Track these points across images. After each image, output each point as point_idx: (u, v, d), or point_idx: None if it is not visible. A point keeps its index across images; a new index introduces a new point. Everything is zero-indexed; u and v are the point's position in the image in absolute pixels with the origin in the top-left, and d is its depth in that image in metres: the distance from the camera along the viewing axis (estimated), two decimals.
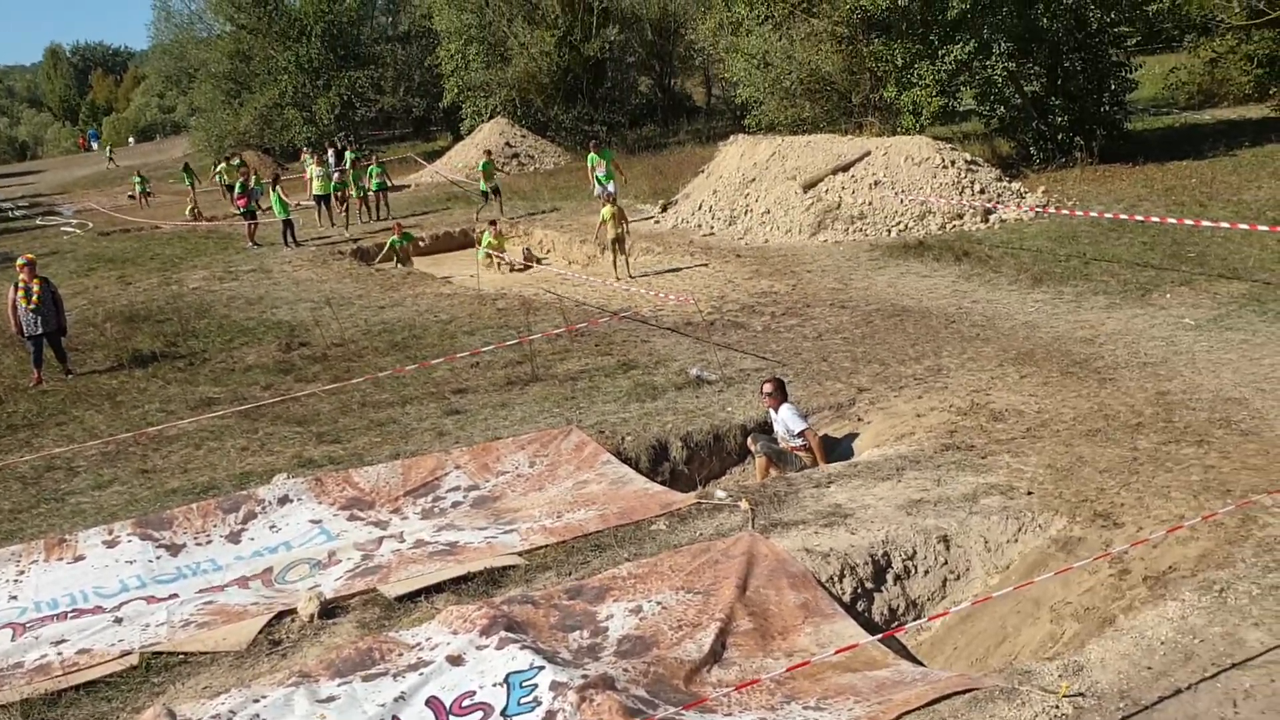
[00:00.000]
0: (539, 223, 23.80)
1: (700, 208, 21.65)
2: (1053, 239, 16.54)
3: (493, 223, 21.84)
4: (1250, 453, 8.20)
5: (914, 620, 7.23)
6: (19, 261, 14.08)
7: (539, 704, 5.67)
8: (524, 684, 5.83)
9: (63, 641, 7.02)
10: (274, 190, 23.90)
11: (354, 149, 32.46)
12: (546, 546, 7.83)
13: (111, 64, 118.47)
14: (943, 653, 7.00)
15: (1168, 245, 15.21)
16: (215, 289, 19.32)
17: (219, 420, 11.52)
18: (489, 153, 28.23)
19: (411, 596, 7.17)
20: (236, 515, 8.92)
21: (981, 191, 18.74)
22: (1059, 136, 22.20)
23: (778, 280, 16.06)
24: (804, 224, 19.12)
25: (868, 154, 19.67)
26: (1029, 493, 7.99)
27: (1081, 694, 5.44)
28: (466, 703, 5.84)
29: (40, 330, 13.64)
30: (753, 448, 9.69)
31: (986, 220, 18.18)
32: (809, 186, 19.73)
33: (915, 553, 7.52)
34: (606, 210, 17.78)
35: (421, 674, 6.09)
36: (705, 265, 17.79)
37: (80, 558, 8.33)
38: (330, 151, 33.65)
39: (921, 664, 6.75)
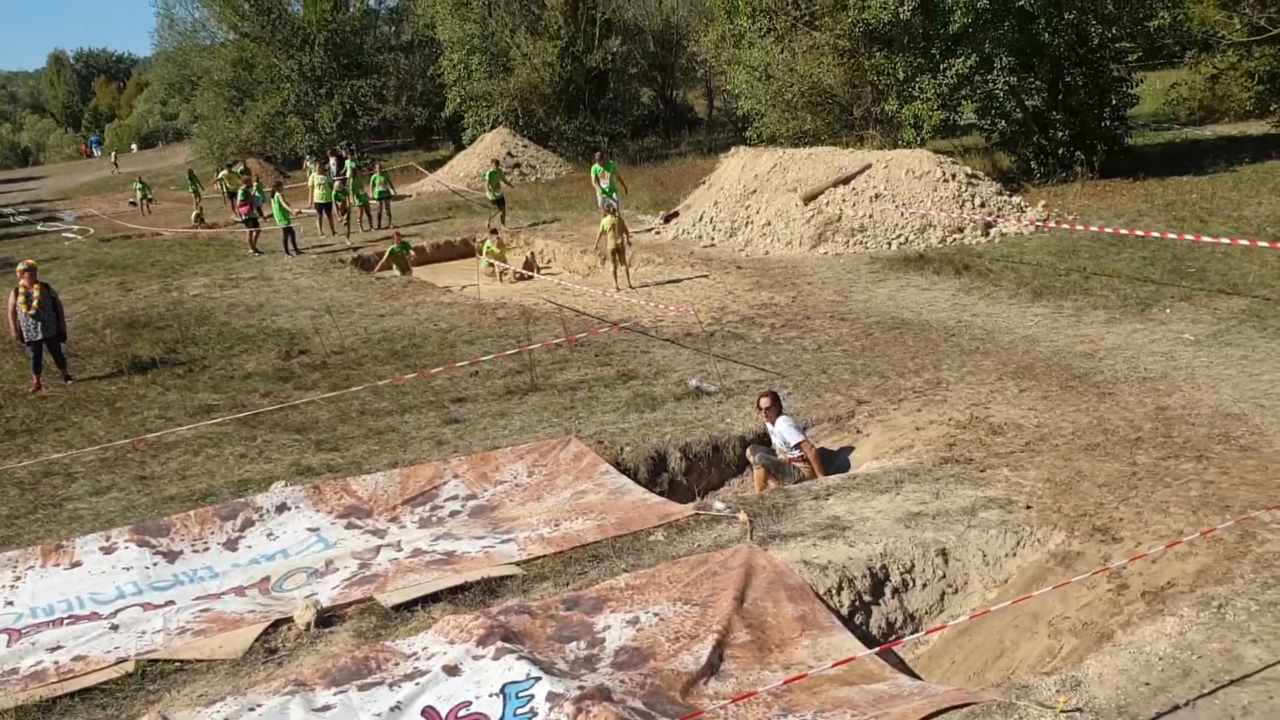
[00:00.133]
0: (540, 233, 23.82)
1: (701, 219, 21.67)
2: (1053, 253, 16.55)
3: (494, 231, 21.85)
4: (1249, 468, 8.20)
5: (912, 634, 7.21)
6: (19, 267, 14.08)
7: (535, 715, 5.66)
8: (520, 695, 5.82)
9: (58, 648, 7.01)
10: (274, 198, 23.93)
11: (355, 158, 32.47)
12: (544, 556, 7.82)
13: (115, 71, 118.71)
14: (940, 666, 6.98)
15: (1168, 260, 15.22)
16: (216, 296, 19.32)
17: (218, 427, 11.51)
18: (497, 162, 28.28)
19: (408, 606, 7.16)
20: (234, 523, 8.91)
21: (982, 205, 18.77)
22: (1060, 151, 22.24)
23: (778, 292, 16.07)
24: (804, 236, 19.14)
25: (869, 167, 19.71)
26: (1028, 507, 7.98)
27: (1079, 709, 5.43)
28: (463, 713, 5.83)
29: (40, 336, 13.64)
30: (751, 459, 9.69)
31: (987, 234, 18.21)
32: (810, 199, 19.76)
33: (913, 566, 7.50)
34: (607, 221, 17.80)
35: (418, 684, 6.07)
36: (705, 276, 17.80)
37: (77, 564, 8.32)
38: (332, 160, 33.70)
39: (919, 678, 6.73)
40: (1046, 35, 21.33)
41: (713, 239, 20.78)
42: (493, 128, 37.50)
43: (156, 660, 6.73)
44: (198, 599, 7.73)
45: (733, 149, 24.55)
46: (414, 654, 6.42)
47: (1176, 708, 5.38)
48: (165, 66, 60.69)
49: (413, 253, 22.21)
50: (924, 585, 7.47)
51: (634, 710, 5.68)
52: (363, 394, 12.25)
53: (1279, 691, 5.40)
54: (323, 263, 22.14)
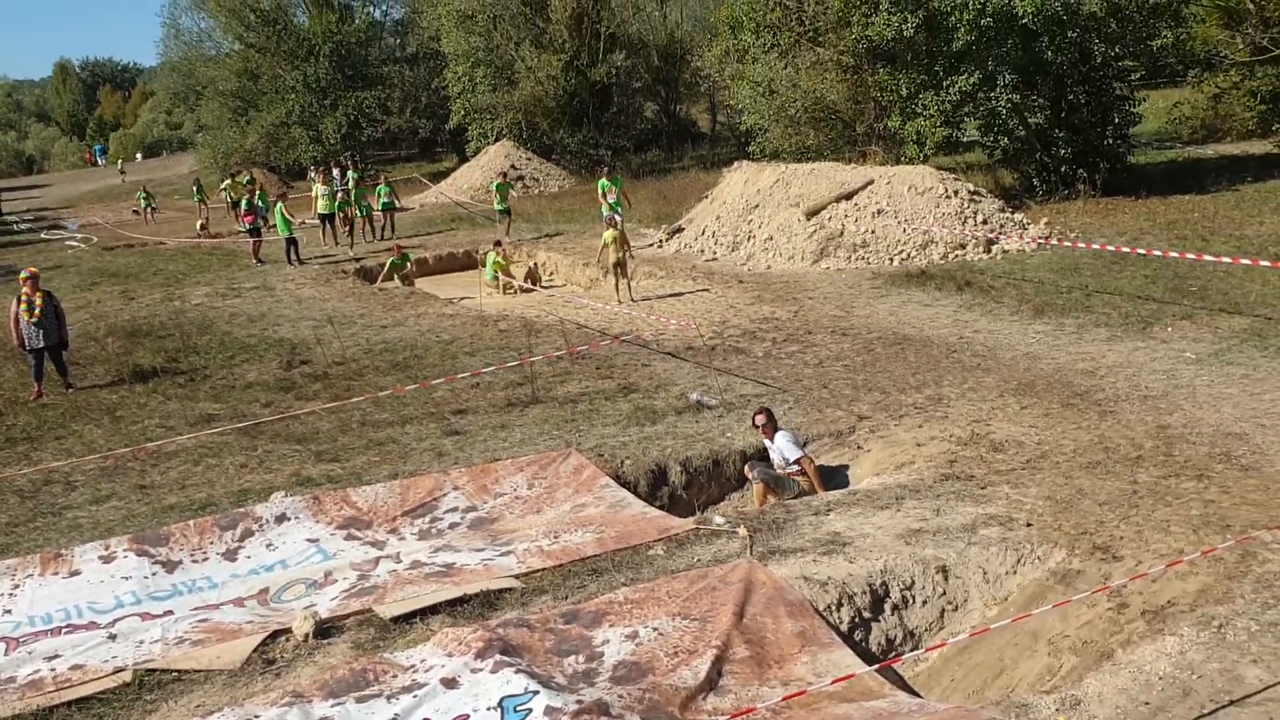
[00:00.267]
0: (543, 245, 23.87)
1: (703, 233, 21.71)
2: (1055, 270, 16.57)
3: (498, 243, 21.90)
4: (1250, 488, 8.19)
5: (911, 651, 7.19)
6: (22, 275, 14.13)
7: None
8: (518, 708, 5.80)
9: (56, 657, 7.00)
10: (277, 208, 23.99)
11: (356, 168, 32.56)
12: (543, 569, 7.81)
13: (120, 80, 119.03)
14: (940, 684, 6.96)
15: (1169, 279, 15.23)
16: (218, 305, 19.35)
17: (218, 437, 11.51)
18: (504, 175, 28.36)
19: (407, 618, 7.14)
20: (234, 533, 8.90)
21: (984, 222, 18.80)
22: (1062, 168, 22.28)
23: (779, 306, 16.09)
24: (806, 251, 19.17)
25: (871, 182, 19.74)
26: (1028, 524, 7.97)
27: None
28: None
29: (42, 344, 13.66)
30: (749, 475, 9.68)
31: (989, 251, 18.23)
32: (812, 214, 19.79)
33: (913, 583, 7.49)
34: (609, 234, 17.83)
35: (415, 696, 6.06)
36: (707, 290, 17.82)
37: (76, 572, 8.31)
38: (336, 170, 33.79)
39: (918, 695, 6.71)
40: (1050, 53, 21.38)
41: (715, 253, 20.81)
42: (496, 140, 37.61)
43: (154, 670, 6.72)
44: (196, 609, 7.72)
45: (736, 164, 24.61)
46: (412, 666, 6.41)
47: None
48: (170, 76, 60.85)
49: (412, 264, 22.24)
50: (924, 602, 7.45)
51: None
52: (364, 405, 12.25)
53: (1279, 713, 5.39)
54: (325, 273, 22.18)
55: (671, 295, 17.85)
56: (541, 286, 20.84)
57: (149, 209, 36.59)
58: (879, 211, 19.25)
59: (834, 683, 6.05)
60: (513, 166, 34.63)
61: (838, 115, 25.26)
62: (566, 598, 7.32)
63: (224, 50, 50.03)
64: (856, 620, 7.23)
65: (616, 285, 17.84)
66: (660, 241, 22.65)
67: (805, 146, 25.29)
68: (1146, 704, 5.57)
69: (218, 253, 26.47)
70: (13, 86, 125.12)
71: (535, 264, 22.00)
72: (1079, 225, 19.28)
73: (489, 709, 5.86)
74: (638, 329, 15.29)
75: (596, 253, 19.08)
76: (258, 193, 26.39)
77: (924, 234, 18.54)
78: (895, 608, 7.39)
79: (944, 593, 7.50)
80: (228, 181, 34.88)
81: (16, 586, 8.14)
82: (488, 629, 6.65)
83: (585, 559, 7.93)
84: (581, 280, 20.95)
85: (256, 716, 5.97)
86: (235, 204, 30.39)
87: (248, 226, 24.67)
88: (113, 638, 7.25)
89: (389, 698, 6.08)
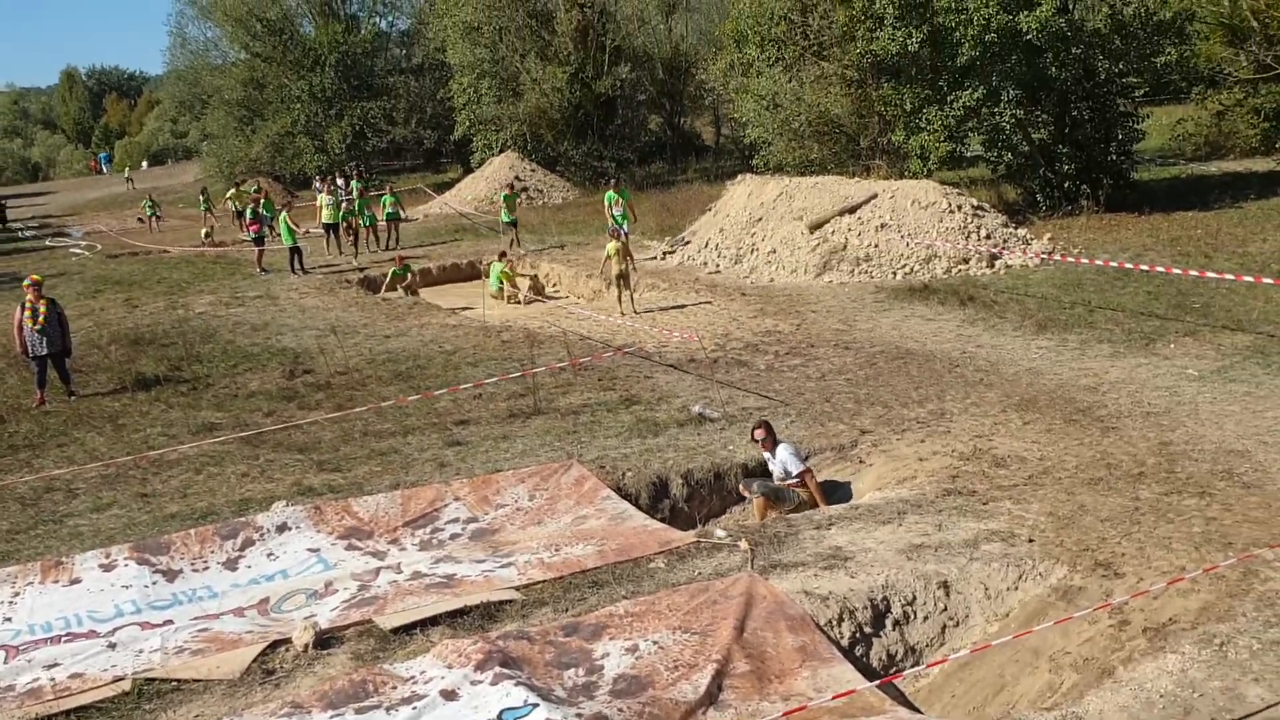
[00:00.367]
0: (546, 257, 23.90)
1: (706, 246, 21.73)
2: (1058, 286, 16.57)
3: (502, 254, 21.93)
4: (1252, 505, 8.18)
5: (912, 667, 7.18)
6: (26, 282, 14.18)
7: None
8: None
9: (55, 665, 6.99)
10: (281, 216, 24.04)
11: (360, 178, 32.63)
12: (544, 581, 7.80)
13: (126, 88, 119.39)
14: (940, 700, 6.94)
15: (1172, 295, 15.23)
16: (221, 314, 19.38)
17: (220, 446, 11.52)
18: (511, 186, 28.40)
19: (407, 629, 7.13)
20: (234, 542, 8.89)
21: (988, 237, 18.81)
22: (1066, 184, 22.32)
23: (782, 320, 16.09)
24: (809, 264, 19.18)
25: (875, 196, 19.77)
26: (1030, 540, 7.96)
27: None
28: None
29: (45, 351, 13.67)
30: (746, 493, 9.66)
31: (992, 266, 18.24)
32: (815, 227, 19.81)
33: (915, 598, 7.47)
34: (611, 246, 17.85)
35: (415, 708, 6.04)
36: (710, 303, 17.83)
37: (76, 581, 8.31)
38: (340, 180, 33.87)
39: (919, 711, 6.69)
40: (1054, 69, 21.44)
41: (718, 265, 20.83)
42: (501, 151, 37.71)
43: (153, 679, 6.71)
44: (196, 619, 7.71)
45: (739, 177, 24.63)
46: (411, 678, 6.40)
47: None
48: (176, 85, 61.14)
49: (414, 275, 22.26)
50: (925, 618, 7.44)
51: None
52: (366, 415, 12.25)
53: None
54: (329, 283, 22.21)
55: (674, 307, 17.86)
56: (544, 298, 20.86)
57: (154, 217, 36.69)
58: (882, 225, 19.27)
59: (834, 698, 6.04)
60: (517, 178, 34.72)
61: (842, 129, 25.34)
62: (567, 610, 7.31)
63: (230, 59, 50.28)
64: (857, 635, 7.21)
65: (619, 297, 17.85)
66: (663, 254, 22.68)
67: (809, 160, 25.35)
68: None
69: (221, 261, 26.53)
70: (19, 94, 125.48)
71: (536, 275, 22.02)
72: (1082, 241, 19.30)
73: None
74: (640, 341, 15.30)
75: (599, 264, 19.10)
76: (263, 201, 26.48)
77: (927, 248, 18.55)
78: (896, 623, 7.38)
79: (945, 608, 7.48)
80: (233, 190, 34.99)
81: (17, 594, 8.13)
82: (488, 641, 6.64)
83: (586, 571, 7.92)
84: (584, 292, 20.97)
85: None
86: (240, 213, 30.47)
87: (252, 235, 24.73)
88: (112, 646, 7.24)
89: (388, 709, 6.07)
